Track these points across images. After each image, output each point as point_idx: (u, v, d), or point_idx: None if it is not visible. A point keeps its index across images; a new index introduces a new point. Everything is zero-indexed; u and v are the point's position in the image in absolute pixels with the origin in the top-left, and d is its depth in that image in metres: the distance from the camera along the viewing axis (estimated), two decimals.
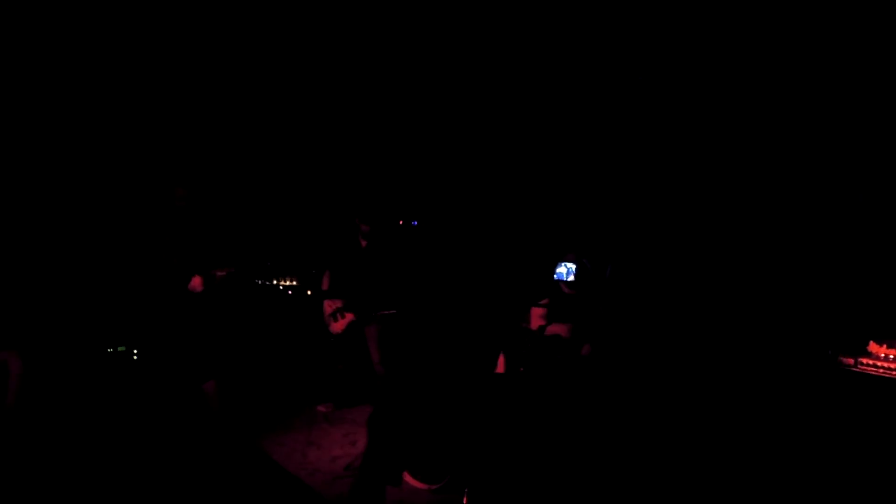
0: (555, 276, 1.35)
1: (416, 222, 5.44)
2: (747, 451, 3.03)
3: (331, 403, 5.05)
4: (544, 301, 5.18)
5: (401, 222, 5.49)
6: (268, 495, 3.61)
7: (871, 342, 3.28)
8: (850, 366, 3.29)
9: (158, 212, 4.22)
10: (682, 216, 4.53)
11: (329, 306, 4.86)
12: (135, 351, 4.73)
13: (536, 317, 5.09)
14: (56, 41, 4.53)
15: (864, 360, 3.26)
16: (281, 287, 5.37)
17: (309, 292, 5.58)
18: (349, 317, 4.75)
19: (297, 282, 5.73)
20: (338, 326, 4.79)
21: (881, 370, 3.20)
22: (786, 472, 3.08)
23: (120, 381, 4.78)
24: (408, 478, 3.57)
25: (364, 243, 4.89)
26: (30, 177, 4.77)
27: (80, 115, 4.97)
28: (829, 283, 3.77)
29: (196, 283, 4.05)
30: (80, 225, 4.86)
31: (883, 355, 3.23)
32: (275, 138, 6.02)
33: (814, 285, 3.78)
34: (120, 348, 4.64)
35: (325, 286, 4.96)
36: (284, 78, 5.41)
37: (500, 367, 4.11)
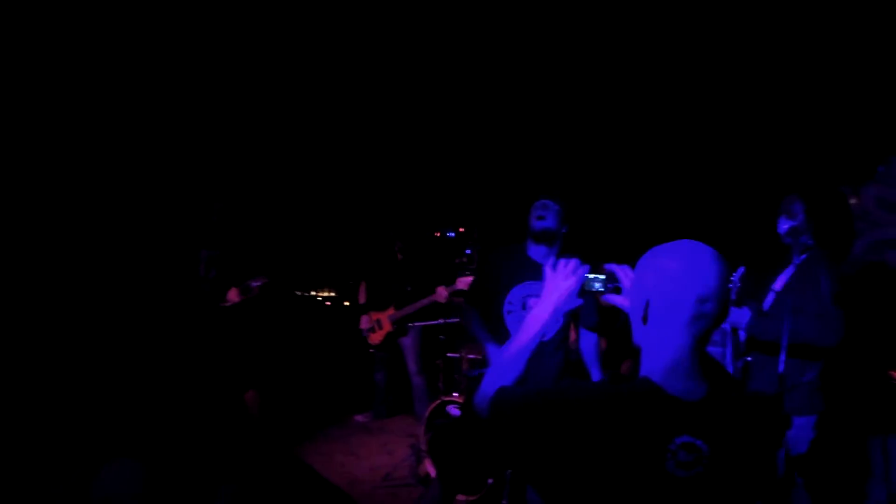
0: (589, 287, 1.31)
1: (452, 234, 5.47)
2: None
3: (369, 413, 5.09)
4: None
5: (437, 234, 5.52)
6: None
7: None
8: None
9: (196, 226, 4.31)
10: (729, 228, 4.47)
11: (367, 319, 4.92)
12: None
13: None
14: (95, 56, 4.66)
15: None
16: (319, 298, 5.42)
17: (346, 303, 5.63)
18: (387, 328, 4.78)
19: (335, 293, 5.76)
20: (376, 338, 4.84)
21: None
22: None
23: (160, 390, 4.88)
24: None
25: (400, 256, 4.95)
26: (68, 196, 4.90)
27: (118, 135, 5.10)
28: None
29: (232, 294, 4.12)
30: (119, 239, 4.98)
31: None
32: (310, 150, 6.11)
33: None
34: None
35: (361, 299, 5.03)
36: (320, 91, 5.50)
37: None
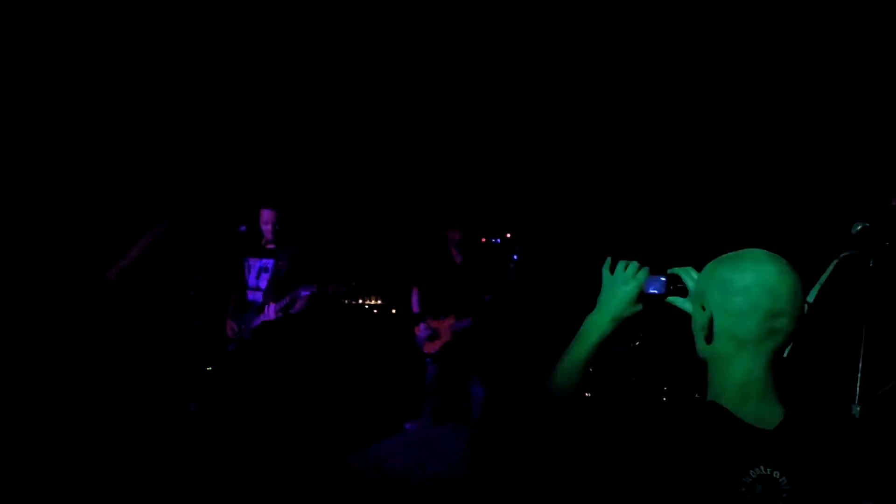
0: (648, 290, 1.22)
1: (497, 240, 5.38)
2: None
3: (418, 421, 5.05)
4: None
5: (483, 240, 5.44)
6: None
7: None
8: None
9: (245, 240, 4.34)
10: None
11: (424, 327, 4.85)
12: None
13: None
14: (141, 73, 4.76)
15: None
16: (367, 306, 5.42)
17: (394, 311, 5.61)
18: (446, 338, 4.72)
19: (383, 300, 5.74)
20: (433, 347, 4.77)
21: None
22: None
23: (208, 398, 4.94)
24: None
25: (459, 258, 4.83)
26: (113, 204, 5.00)
27: (164, 149, 5.20)
28: None
29: (270, 312, 4.12)
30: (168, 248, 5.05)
31: None
32: (354, 150, 6.11)
33: None
34: (208, 368, 4.79)
35: (415, 307, 4.95)
36: (365, 96, 5.51)
37: None
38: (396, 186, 6.30)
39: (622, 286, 1.35)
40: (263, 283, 4.24)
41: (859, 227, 2.38)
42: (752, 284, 1.07)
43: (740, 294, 1.07)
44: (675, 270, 1.39)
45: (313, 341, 4.46)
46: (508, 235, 5.56)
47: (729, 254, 1.15)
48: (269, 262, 4.24)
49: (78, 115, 4.72)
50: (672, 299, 1.37)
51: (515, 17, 4.23)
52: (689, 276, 1.35)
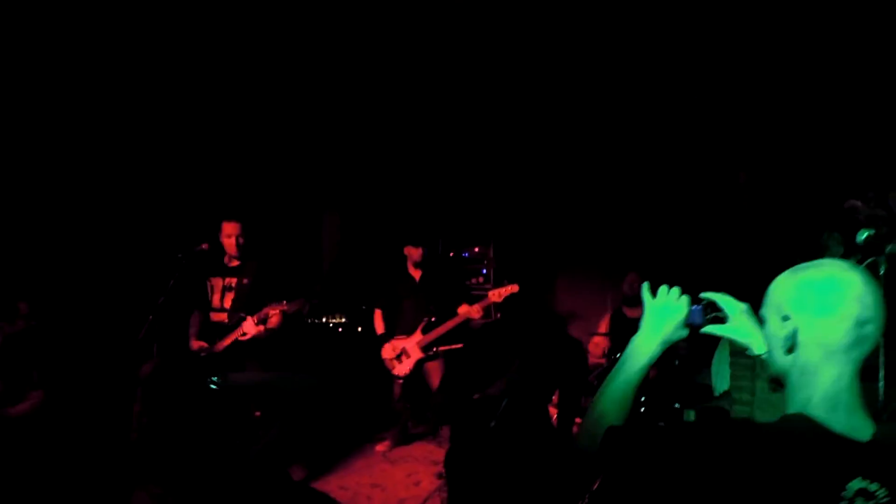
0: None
1: (466, 254, 5.35)
2: None
3: (387, 441, 4.93)
4: (602, 330, 5.04)
5: (451, 254, 5.40)
6: None
7: None
8: None
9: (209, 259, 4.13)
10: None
11: (389, 348, 4.75)
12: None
13: (595, 347, 4.96)
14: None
15: None
16: (330, 325, 5.28)
17: (359, 329, 5.49)
18: (416, 356, 4.63)
19: (346, 318, 5.62)
20: (403, 368, 4.67)
21: None
22: None
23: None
24: None
25: (417, 275, 4.78)
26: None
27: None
28: None
29: (248, 326, 3.90)
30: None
31: None
32: (313, 169, 5.98)
33: None
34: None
35: (379, 328, 4.85)
36: (326, 110, 5.39)
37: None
38: (351, 203, 6.20)
39: (672, 312, 1.35)
40: (227, 304, 4.02)
41: (865, 235, 2.43)
42: (843, 292, 1.06)
43: (831, 302, 1.06)
44: (710, 296, 1.38)
45: (280, 359, 4.27)
46: (477, 249, 5.55)
47: (804, 264, 1.13)
48: (234, 281, 4.02)
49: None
50: (708, 328, 1.37)
51: (483, 26, 4.22)
52: (726, 302, 1.35)
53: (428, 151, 5.71)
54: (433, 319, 4.64)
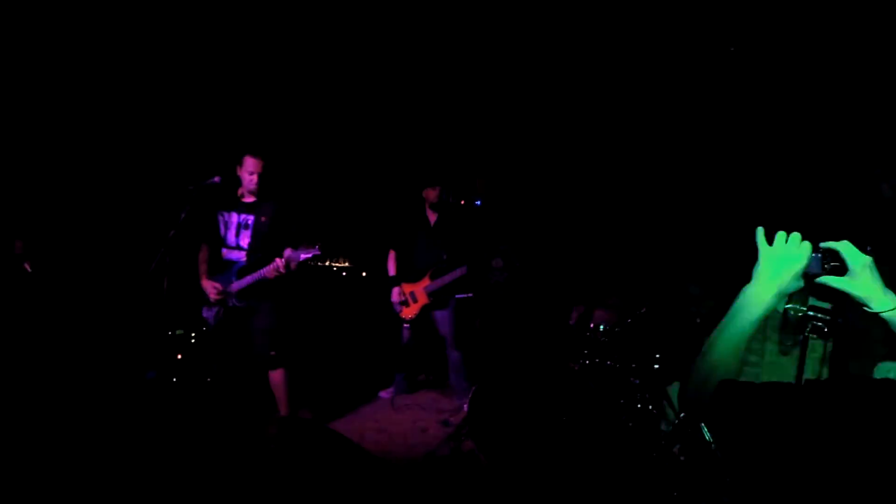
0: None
1: (479, 202, 5.24)
2: None
3: (391, 388, 4.90)
4: (612, 301, 5.00)
5: (462, 202, 5.28)
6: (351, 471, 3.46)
7: None
8: None
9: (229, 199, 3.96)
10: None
11: (398, 291, 4.67)
12: (192, 334, 4.53)
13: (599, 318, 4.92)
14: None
15: None
16: (334, 269, 5.14)
17: (364, 273, 5.37)
18: (422, 301, 4.56)
19: (350, 262, 5.48)
20: (410, 312, 4.60)
21: None
22: None
23: (175, 365, 4.61)
24: None
25: (433, 218, 4.66)
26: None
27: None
28: None
29: (274, 268, 3.76)
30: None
31: None
32: (325, 113, 5.79)
33: None
34: (178, 331, 4.44)
35: (391, 270, 4.75)
36: (345, 56, 5.19)
37: None
38: (371, 144, 6.04)
39: (791, 260, 1.25)
40: (244, 241, 3.87)
41: None
42: None
43: None
44: (830, 245, 1.30)
45: (287, 305, 4.17)
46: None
47: None
48: (250, 218, 3.86)
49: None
50: (825, 279, 1.29)
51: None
52: (849, 252, 1.27)
53: (435, 92, 5.56)
54: (444, 266, 4.55)
